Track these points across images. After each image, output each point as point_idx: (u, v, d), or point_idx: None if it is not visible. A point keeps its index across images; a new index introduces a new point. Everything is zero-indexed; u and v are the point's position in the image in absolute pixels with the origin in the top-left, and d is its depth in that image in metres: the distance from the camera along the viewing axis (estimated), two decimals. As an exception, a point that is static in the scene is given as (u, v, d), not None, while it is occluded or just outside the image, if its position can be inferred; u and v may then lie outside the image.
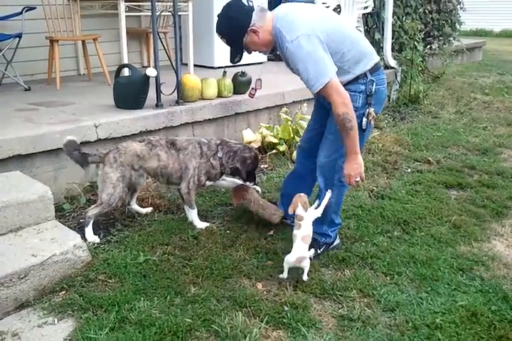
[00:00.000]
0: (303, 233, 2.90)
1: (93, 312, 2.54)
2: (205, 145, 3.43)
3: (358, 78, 2.81)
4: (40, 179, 3.33)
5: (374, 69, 2.85)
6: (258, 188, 3.68)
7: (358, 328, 2.50)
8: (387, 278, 2.92)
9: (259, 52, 2.98)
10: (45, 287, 2.72)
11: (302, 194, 3.03)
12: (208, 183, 3.52)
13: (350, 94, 2.72)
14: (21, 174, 3.36)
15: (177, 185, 3.47)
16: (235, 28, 2.82)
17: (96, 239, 3.24)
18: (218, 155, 3.41)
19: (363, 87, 2.82)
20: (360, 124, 2.79)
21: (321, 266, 3.02)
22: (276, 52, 3.04)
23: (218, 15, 2.89)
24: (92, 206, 3.33)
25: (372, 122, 2.89)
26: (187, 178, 3.39)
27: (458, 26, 8.87)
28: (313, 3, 5.95)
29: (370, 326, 2.51)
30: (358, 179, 2.83)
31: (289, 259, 2.83)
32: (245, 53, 2.98)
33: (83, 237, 3.15)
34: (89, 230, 3.26)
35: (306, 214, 2.95)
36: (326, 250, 3.14)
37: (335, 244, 3.21)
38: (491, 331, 2.45)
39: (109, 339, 2.34)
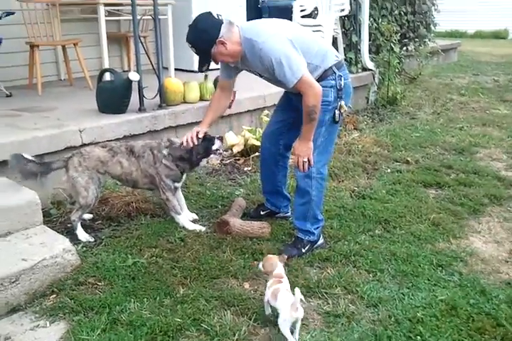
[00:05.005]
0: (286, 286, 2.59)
1: (84, 315, 2.59)
2: (155, 150, 3.46)
3: (327, 74, 3.02)
4: (26, 184, 3.34)
5: (339, 66, 3.08)
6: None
7: (343, 324, 2.58)
8: (370, 275, 3.01)
9: (226, 62, 3.11)
10: (35, 291, 2.75)
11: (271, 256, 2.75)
12: (177, 185, 3.55)
13: (323, 90, 2.93)
14: (8, 180, 3.38)
15: (146, 190, 3.57)
16: (204, 40, 2.95)
17: (90, 238, 3.32)
18: (164, 152, 3.42)
19: (333, 82, 3.03)
20: (333, 117, 3.06)
21: (306, 264, 3.10)
22: None
23: (189, 26, 3.01)
24: (74, 210, 3.38)
25: (344, 114, 3.12)
26: (159, 186, 3.47)
27: (433, 27, 9.04)
28: (291, 5, 6.13)
29: (354, 321, 2.59)
30: (305, 159, 3.04)
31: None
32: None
33: (74, 240, 3.20)
34: (80, 231, 3.34)
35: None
36: (310, 249, 3.23)
37: (319, 243, 3.29)
38: (470, 323, 2.55)
39: (101, 340, 2.39)
